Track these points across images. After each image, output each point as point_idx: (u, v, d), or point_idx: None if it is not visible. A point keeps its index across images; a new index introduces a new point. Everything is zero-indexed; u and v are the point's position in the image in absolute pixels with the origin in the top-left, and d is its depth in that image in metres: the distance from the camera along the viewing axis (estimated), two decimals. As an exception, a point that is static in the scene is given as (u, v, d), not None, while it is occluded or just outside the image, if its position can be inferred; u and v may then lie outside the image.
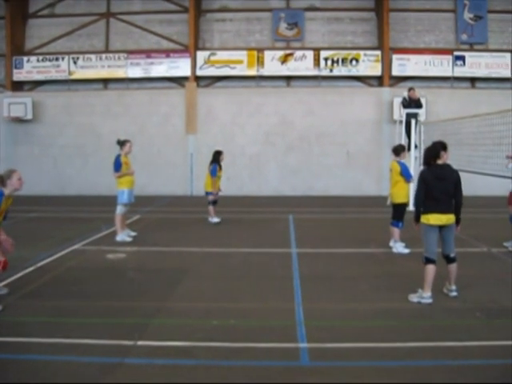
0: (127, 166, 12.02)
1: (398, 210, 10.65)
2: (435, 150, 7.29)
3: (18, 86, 23.17)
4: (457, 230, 7.44)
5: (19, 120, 22.41)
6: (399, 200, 10.63)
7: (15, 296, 7.59)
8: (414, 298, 7.33)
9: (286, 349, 5.71)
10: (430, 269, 7.23)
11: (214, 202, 14.62)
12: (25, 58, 22.72)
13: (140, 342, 5.83)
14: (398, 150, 10.92)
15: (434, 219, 7.18)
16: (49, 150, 22.66)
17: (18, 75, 22.81)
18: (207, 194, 14.57)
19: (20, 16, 23.02)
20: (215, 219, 14.50)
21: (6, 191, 7.08)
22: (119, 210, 11.98)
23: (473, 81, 22.39)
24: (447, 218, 7.20)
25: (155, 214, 16.59)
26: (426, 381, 4.95)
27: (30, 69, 22.70)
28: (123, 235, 11.96)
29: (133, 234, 12.37)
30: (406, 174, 10.63)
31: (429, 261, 7.24)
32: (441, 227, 7.25)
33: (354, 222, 15.01)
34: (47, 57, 22.67)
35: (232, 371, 5.18)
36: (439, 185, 7.17)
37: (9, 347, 5.78)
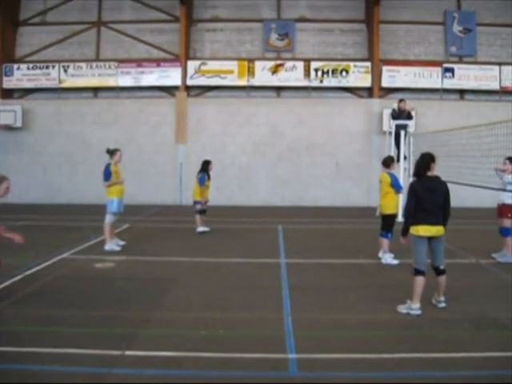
0: (117, 174, 12.00)
1: (388, 220, 10.68)
2: (427, 162, 7.31)
3: (8, 94, 23.10)
4: None
5: (9, 128, 22.31)
6: (388, 211, 10.67)
7: (2, 304, 7.53)
8: (402, 309, 7.34)
9: (274, 359, 5.70)
10: (420, 280, 7.24)
11: (202, 212, 14.59)
12: (15, 66, 22.68)
13: (128, 352, 5.80)
14: (388, 162, 10.95)
15: (423, 230, 7.21)
16: (38, 158, 22.57)
17: (8, 83, 22.75)
18: (195, 203, 14.56)
19: (11, 23, 22.99)
20: (201, 228, 14.47)
21: None
22: (108, 218, 11.95)
23: (462, 93, 22.56)
24: (437, 230, 7.23)
25: (144, 223, 16.56)
26: (414, 392, 4.96)
27: (20, 76, 22.65)
28: (112, 244, 11.92)
29: (122, 243, 12.33)
30: (396, 185, 10.67)
31: (418, 272, 7.25)
32: (430, 238, 7.28)
33: (344, 233, 15.03)
34: (38, 65, 22.62)
35: (221, 381, 5.17)
36: (430, 196, 7.19)
37: (-5, 356, 5.74)
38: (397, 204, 11.01)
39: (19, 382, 5.09)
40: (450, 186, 7.49)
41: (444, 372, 5.36)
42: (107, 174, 11.83)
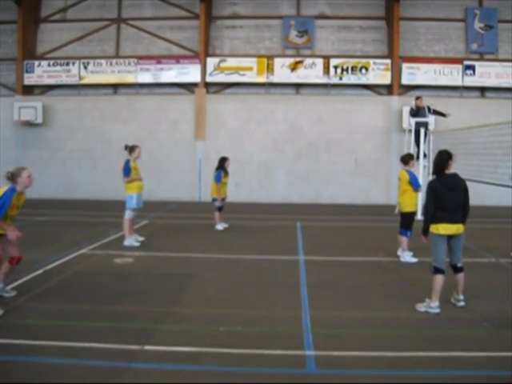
0: (136, 171, 12.06)
1: (406, 218, 10.62)
2: (445, 160, 7.25)
3: (29, 90, 23.32)
4: None
5: (29, 124, 22.53)
6: (407, 209, 10.60)
7: (23, 298, 7.62)
8: (421, 307, 7.30)
9: (292, 356, 5.69)
10: (439, 278, 7.20)
11: (220, 209, 14.63)
12: (36, 63, 22.86)
13: (147, 347, 5.84)
14: (407, 159, 10.88)
15: (443, 229, 7.15)
16: (58, 153, 22.77)
17: (29, 79, 22.95)
18: (214, 200, 14.59)
19: (32, 20, 23.19)
20: (219, 226, 14.50)
21: (18, 187, 7.29)
22: (128, 214, 12.02)
23: (482, 90, 22.35)
24: (457, 228, 7.18)
25: (163, 219, 16.62)
26: (432, 391, 4.93)
27: (40, 73, 22.84)
28: (131, 240, 12.00)
29: (140, 238, 12.41)
30: (414, 183, 10.60)
31: (437, 270, 7.21)
32: (449, 237, 7.23)
33: (362, 231, 14.98)
34: (58, 61, 22.80)
35: (238, 378, 5.18)
36: (450, 195, 7.13)
37: (15, 349, 5.78)
38: (416, 202, 10.95)
39: (37, 374, 5.14)
40: (470, 184, 7.43)
41: (463, 371, 5.32)
42: (127, 170, 11.89)
